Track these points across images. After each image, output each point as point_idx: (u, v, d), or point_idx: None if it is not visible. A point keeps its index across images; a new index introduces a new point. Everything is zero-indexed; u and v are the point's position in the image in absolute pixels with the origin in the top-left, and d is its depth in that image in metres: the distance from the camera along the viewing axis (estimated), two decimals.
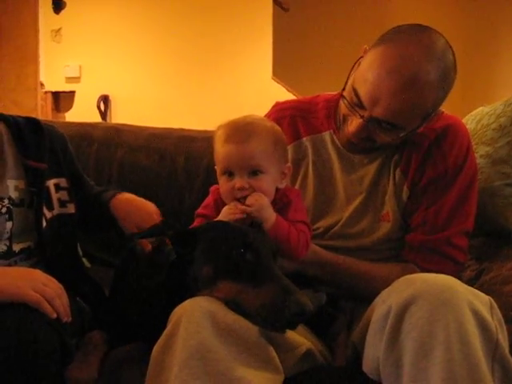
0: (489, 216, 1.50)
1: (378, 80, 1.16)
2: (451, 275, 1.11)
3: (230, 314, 0.98)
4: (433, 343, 0.92)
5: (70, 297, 1.14)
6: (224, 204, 1.22)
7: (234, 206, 1.16)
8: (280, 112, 1.47)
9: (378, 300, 1.06)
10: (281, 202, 1.22)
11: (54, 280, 1.11)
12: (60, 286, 1.11)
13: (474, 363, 0.90)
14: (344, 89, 1.28)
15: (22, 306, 1.02)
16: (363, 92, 1.19)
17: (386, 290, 1.06)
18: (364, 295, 1.26)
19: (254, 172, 1.18)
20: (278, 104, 1.52)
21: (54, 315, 1.04)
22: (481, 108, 1.67)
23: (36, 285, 1.05)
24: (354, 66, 1.27)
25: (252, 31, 4.69)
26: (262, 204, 1.15)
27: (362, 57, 1.26)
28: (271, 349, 0.99)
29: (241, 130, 1.20)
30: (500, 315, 1.00)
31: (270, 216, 1.16)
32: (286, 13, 4.98)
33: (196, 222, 1.28)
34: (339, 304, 1.31)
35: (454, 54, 1.22)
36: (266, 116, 1.49)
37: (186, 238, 1.11)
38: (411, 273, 1.16)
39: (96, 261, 1.54)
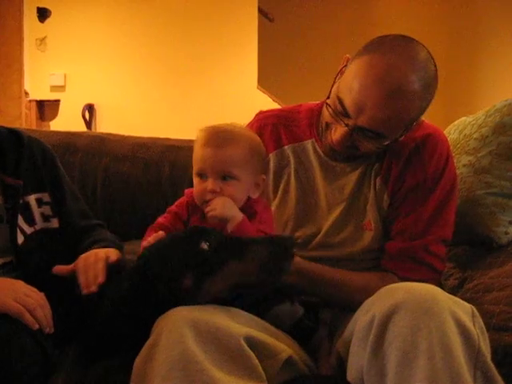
0: (471, 225, 1.51)
1: (364, 89, 1.17)
2: (430, 283, 1.12)
3: (212, 322, 0.98)
4: (416, 352, 0.92)
5: (53, 308, 1.13)
6: (195, 206, 1.24)
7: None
8: (263, 120, 1.47)
9: (362, 310, 1.06)
10: (246, 213, 1.22)
11: (36, 291, 1.10)
12: (42, 296, 1.10)
13: (456, 371, 0.91)
14: (328, 97, 1.29)
15: (2, 317, 1.01)
16: (348, 101, 1.20)
17: (369, 299, 1.06)
18: (341, 304, 1.28)
19: (227, 177, 1.20)
20: (260, 112, 1.52)
21: (36, 326, 1.04)
22: (463, 118, 1.69)
23: (17, 295, 1.04)
24: (337, 75, 1.28)
25: (237, 41, 4.71)
26: (224, 204, 1.17)
27: (345, 66, 1.27)
28: (254, 356, 0.98)
29: (219, 135, 1.22)
30: (482, 323, 1.00)
31: (235, 216, 1.17)
32: (271, 23, 5.01)
33: (163, 217, 1.28)
34: (318, 315, 1.30)
35: (435, 65, 1.24)
36: (249, 124, 1.50)
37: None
38: (390, 282, 1.17)
39: None
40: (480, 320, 1.00)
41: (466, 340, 0.94)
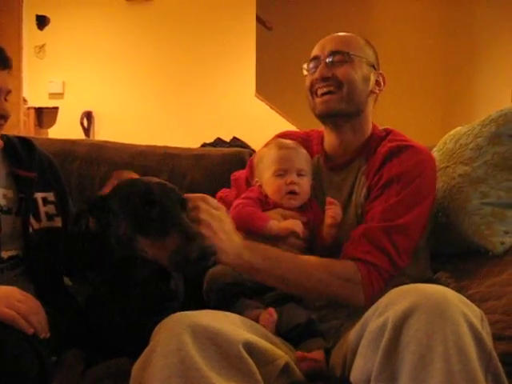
0: (467, 234, 1.51)
1: (320, 42, 1.50)
2: (386, 275, 1.25)
3: (211, 327, 0.99)
4: (432, 355, 0.93)
5: (49, 314, 1.13)
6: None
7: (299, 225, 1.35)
8: (282, 137, 1.58)
9: (372, 312, 1.06)
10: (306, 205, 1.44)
11: (30, 297, 1.11)
12: (37, 302, 1.11)
13: (472, 374, 0.92)
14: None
15: None
16: (315, 50, 1.49)
17: (381, 302, 1.05)
18: (298, 283, 1.27)
19: (301, 174, 1.41)
20: (279, 134, 1.64)
21: (31, 330, 1.04)
22: (459, 128, 1.70)
23: (10, 302, 1.05)
24: None
25: (236, 49, 4.73)
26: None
27: None
28: (252, 363, 0.99)
29: (288, 143, 1.47)
30: (489, 328, 1.02)
31: None
32: (270, 31, 5.04)
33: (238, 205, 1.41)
34: (320, 326, 1.31)
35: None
36: (267, 143, 1.58)
37: (101, 203, 1.19)
38: (343, 264, 1.27)
39: (78, 279, 1.53)
40: (487, 325, 1.01)
41: (479, 343, 0.95)
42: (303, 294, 1.33)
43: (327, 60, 1.45)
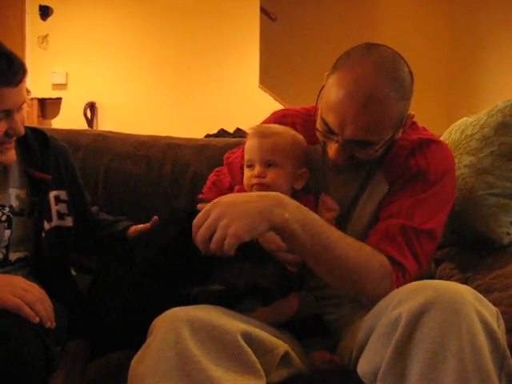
0: (473, 225, 1.50)
1: (341, 106, 1.19)
2: (409, 278, 1.17)
3: (208, 319, 0.98)
4: (445, 354, 0.91)
5: (56, 304, 1.13)
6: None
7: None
8: (281, 118, 1.46)
9: (386, 305, 1.04)
10: None
11: (35, 286, 1.11)
12: (42, 291, 1.11)
13: (486, 374, 0.90)
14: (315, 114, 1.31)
15: (3, 313, 1.01)
16: (330, 120, 1.22)
17: (395, 296, 1.04)
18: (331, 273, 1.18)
19: (271, 164, 1.31)
20: (277, 111, 1.52)
21: (37, 319, 1.04)
22: (464, 118, 1.69)
23: (16, 290, 1.05)
24: (318, 97, 1.29)
25: (239, 40, 4.72)
26: None
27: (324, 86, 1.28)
28: (251, 353, 0.99)
29: (265, 128, 1.36)
30: (504, 326, 1.00)
31: None
32: (273, 22, 5.02)
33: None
34: (325, 320, 1.29)
35: (405, 62, 1.25)
36: (264, 121, 1.49)
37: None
38: (385, 265, 1.17)
39: (82, 269, 1.54)
40: (503, 323, 1.00)
41: (493, 342, 0.94)
42: (329, 265, 1.16)
43: (345, 145, 1.23)
